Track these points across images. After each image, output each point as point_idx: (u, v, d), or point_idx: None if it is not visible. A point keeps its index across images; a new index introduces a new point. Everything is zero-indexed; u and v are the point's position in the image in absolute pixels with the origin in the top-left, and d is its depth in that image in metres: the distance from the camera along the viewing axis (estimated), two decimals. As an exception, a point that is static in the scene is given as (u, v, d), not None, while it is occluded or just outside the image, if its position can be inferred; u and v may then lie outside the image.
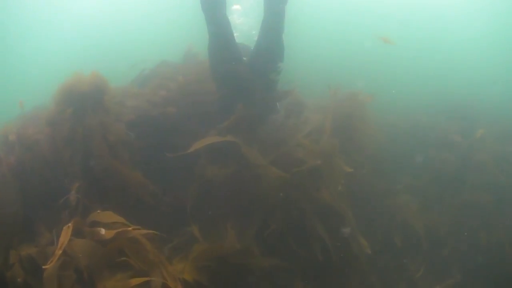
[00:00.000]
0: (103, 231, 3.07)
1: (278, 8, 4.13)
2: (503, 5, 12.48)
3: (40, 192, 3.65)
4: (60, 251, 2.83)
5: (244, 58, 4.34)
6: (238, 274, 3.44)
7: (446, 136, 5.63)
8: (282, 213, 3.75)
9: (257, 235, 3.66)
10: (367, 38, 8.78)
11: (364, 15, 12.80)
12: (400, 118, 6.08)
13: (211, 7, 4.05)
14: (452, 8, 13.08)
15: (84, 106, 3.94)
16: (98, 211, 3.27)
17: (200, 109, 4.43)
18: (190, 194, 3.82)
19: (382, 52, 9.17)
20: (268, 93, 4.32)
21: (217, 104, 4.36)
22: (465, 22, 12.88)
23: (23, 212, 3.48)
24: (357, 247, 3.86)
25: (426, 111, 6.38)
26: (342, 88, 4.86)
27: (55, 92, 4.03)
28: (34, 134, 3.95)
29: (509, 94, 7.16)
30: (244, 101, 4.08)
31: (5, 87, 13.51)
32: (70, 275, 2.82)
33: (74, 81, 4.02)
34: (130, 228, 3.09)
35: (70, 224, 3.00)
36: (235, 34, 4.26)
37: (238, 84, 4.19)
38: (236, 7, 5.41)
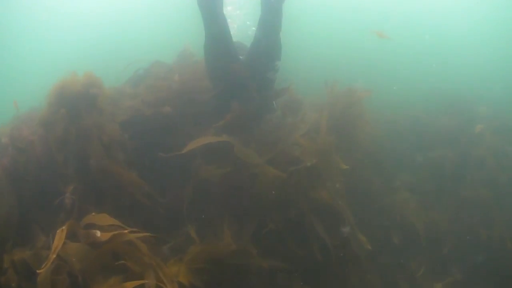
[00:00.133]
0: (98, 233, 3.03)
1: (275, 6, 4.08)
2: (502, 0, 12.42)
3: (34, 194, 3.61)
4: (54, 255, 2.78)
5: (241, 57, 4.29)
6: (235, 275, 3.40)
7: (445, 132, 5.59)
8: (279, 213, 3.71)
9: (254, 235, 3.63)
10: (366, 35, 8.72)
11: (362, 11, 12.73)
12: (399, 115, 6.04)
13: (208, 5, 4.01)
14: (451, 4, 13.02)
15: (77, 107, 3.90)
16: (93, 213, 3.22)
17: (196, 108, 4.38)
18: (186, 194, 3.79)
19: (381, 48, 9.13)
20: (265, 91, 4.27)
21: (212, 102, 4.32)
22: (465, 18, 12.82)
23: (18, 214, 3.43)
24: (357, 246, 3.82)
25: (425, 107, 6.33)
26: (339, 85, 4.81)
27: (48, 92, 3.99)
28: (28, 136, 3.90)
29: (508, 90, 7.10)
30: (240, 100, 4.03)
31: (3, 88, 13.47)
32: (64, 279, 2.78)
33: (68, 81, 3.99)
34: (126, 231, 3.04)
35: (64, 228, 2.96)
36: (232, 26, 4.21)
37: (234, 82, 4.14)
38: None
